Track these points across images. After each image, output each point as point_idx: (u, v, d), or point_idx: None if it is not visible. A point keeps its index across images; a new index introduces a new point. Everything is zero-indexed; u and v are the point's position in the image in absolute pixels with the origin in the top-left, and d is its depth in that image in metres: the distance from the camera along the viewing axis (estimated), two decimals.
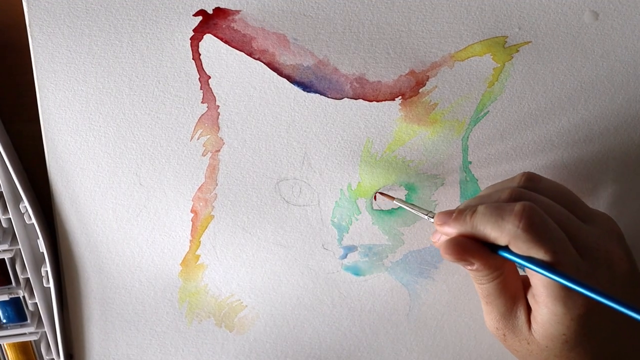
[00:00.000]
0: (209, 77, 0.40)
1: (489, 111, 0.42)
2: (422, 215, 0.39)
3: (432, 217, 0.37)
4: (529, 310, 0.35)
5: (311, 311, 0.47)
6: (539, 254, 0.31)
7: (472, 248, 0.33)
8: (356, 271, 0.47)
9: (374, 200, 0.44)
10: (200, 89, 0.41)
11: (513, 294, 0.35)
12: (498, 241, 0.33)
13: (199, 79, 0.40)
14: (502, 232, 0.32)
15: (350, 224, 0.45)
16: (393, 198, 0.41)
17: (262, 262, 0.46)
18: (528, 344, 0.34)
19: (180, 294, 0.47)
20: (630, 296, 0.33)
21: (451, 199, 0.44)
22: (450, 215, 0.35)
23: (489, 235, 0.33)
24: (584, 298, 0.31)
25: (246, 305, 0.47)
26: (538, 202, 0.33)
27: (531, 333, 0.34)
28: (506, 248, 0.33)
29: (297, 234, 0.45)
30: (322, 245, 0.46)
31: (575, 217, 0.34)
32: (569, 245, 0.32)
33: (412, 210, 0.39)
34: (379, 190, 0.43)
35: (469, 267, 0.34)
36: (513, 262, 0.33)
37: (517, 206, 0.32)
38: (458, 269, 0.47)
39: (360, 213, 0.45)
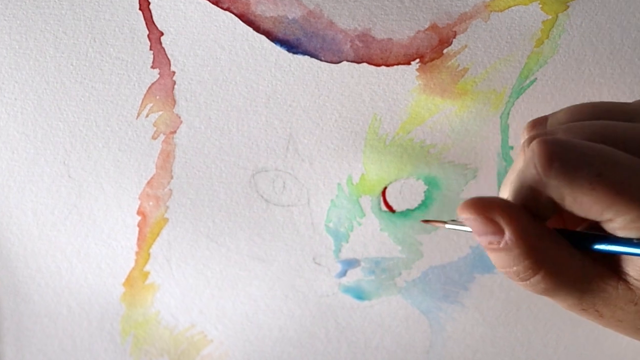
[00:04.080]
0: (162, 34, 0.40)
1: (536, 79, 0.42)
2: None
3: None
4: (615, 266, 0.33)
5: (299, 348, 0.48)
6: (582, 186, 0.31)
7: (499, 204, 0.32)
8: (359, 294, 0.47)
9: (382, 198, 0.44)
10: (150, 49, 0.41)
11: (579, 266, 0.34)
12: (541, 200, 0.32)
13: (149, 35, 0.40)
14: (531, 187, 0.32)
15: (351, 231, 0.45)
16: (444, 223, 0.38)
17: (233, 281, 0.46)
18: (635, 304, 0.33)
19: (123, 324, 0.47)
20: None
21: None
22: None
23: (527, 202, 0.33)
24: None
25: (212, 340, 0.48)
26: (557, 132, 0.34)
27: (632, 289, 0.33)
28: (595, 238, 0.33)
29: (280, 244, 0.45)
30: (313, 259, 0.46)
31: (614, 121, 0.34)
32: (618, 153, 0.32)
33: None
34: (424, 219, 0.43)
35: (495, 244, 0.33)
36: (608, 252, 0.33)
37: (528, 150, 0.32)
38: (495, 292, 0.48)
39: (364, 216, 0.45)
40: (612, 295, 0.34)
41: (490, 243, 0.33)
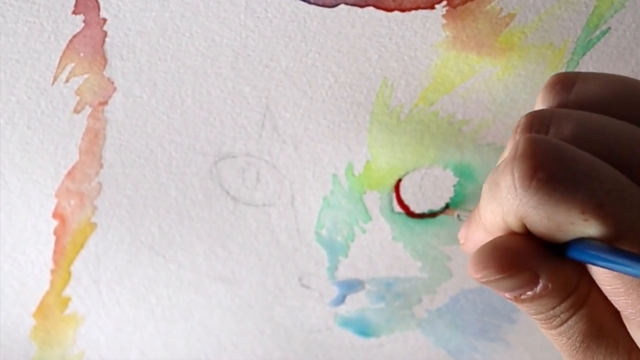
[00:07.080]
0: None
1: (610, 28, 0.40)
2: None
3: None
4: None
5: None
6: (570, 212, 0.30)
7: (526, 251, 0.32)
8: (363, 328, 0.45)
9: (395, 194, 0.42)
10: None
11: (616, 325, 0.33)
12: (513, 228, 0.32)
13: None
14: (502, 210, 0.32)
15: (352, 240, 0.43)
16: (453, 212, 0.42)
17: (187, 310, 0.45)
18: None
19: None
20: None
21: None
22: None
23: (499, 225, 0.33)
24: None
25: None
26: (561, 126, 0.33)
27: None
28: (575, 243, 0.32)
29: (253, 259, 0.44)
30: (299, 280, 0.44)
31: None
32: (628, 185, 0.31)
33: None
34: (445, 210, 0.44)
35: (528, 293, 0.33)
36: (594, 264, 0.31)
37: (510, 152, 0.32)
38: None
39: (371, 219, 0.43)
40: None
41: (519, 296, 0.33)
